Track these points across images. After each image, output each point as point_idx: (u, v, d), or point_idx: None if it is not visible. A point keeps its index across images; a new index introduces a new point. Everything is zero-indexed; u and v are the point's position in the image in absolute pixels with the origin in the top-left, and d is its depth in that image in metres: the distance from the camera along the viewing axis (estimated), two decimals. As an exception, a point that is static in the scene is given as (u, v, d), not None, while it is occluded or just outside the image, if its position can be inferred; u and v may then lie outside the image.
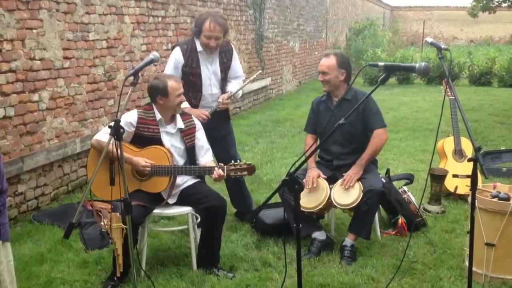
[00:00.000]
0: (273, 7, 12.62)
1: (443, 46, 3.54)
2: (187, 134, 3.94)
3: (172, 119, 3.92)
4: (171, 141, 3.89)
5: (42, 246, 4.33)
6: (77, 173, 5.79)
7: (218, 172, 3.73)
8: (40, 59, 5.09)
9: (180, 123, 3.92)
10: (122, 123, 3.71)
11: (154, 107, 3.87)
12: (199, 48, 4.45)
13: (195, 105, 4.50)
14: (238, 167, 3.75)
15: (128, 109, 6.51)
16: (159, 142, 3.83)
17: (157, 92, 3.78)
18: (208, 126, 4.29)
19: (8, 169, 4.68)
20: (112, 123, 3.00)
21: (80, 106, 5.74)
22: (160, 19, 7.36)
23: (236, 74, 4.74)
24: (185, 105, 4.30)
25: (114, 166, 3.71)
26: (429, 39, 3.66)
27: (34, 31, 4.99)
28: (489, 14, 12.22)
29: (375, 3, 28.39)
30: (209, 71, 4.52)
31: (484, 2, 11.46)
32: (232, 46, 4.79)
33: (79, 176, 5.82)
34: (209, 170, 3.78)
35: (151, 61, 3.24)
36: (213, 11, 4.52)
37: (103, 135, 3.76)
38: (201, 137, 4.02)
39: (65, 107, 5.50)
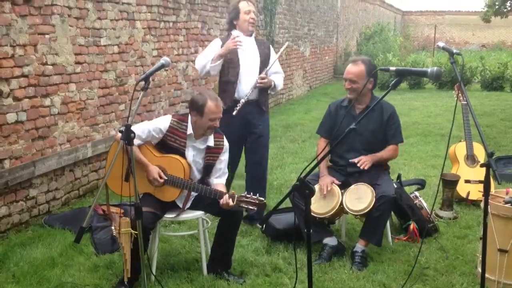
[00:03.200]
0: (284, 12, 12.64)
1: (455, 51, 3.51)
2: (212, 152, 3.88)
3: (203, 135, 3.85)
4: (195, 156, 3.85)
5: (53, 250, 4.34)
6: (88, 178, 5.81)
7: (226, 200, 3.63)
8: (52, 64, 5.12)
9: (211, 141, 3.87)
10: (150, 127, 3.75)
11: (188, 119, 3.83)
12: (235, 34, 4.79)
13: (233, 82, 4.77)
14: (250, 200, 3.64)
15: (139, 114, 6.58)
16: (182, 154, 3.81)
17: (194, 107, 3.75)
18: (248, 124, 4.83)
19: (20, 173, 4.71)
20: (123, 128, 3.00)
21: (91, 110, 5.76)
22: (171, 24, 7.39)
23: (278, 70, 5.00)
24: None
25: (132, 164, 3.72)
26: (441, 44, 3.64)
27: (46, 36, 5.02)
28: (501, 18, 12.14)
29: (386, 8, 28.32)
30: (246, 51, 4.78)
31: (497, 7, 11.38)
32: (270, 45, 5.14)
33: (90, 180, 5.84)
34: (219, 195, 3.69)
35: (162, 66, 3.24)
36: None
37: None
38: (223, 160, 3.95)
39: (77, 112, 5.53)
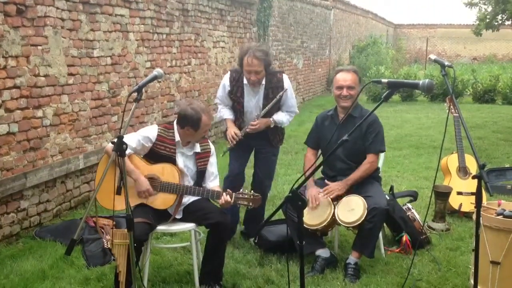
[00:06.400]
0: (277, 24, 12.70)
1: (446, 63, 3.54)
2: (201, 158, 3.94)
3: (190, 142, 3.92)
4: (185, 162, 3.89)
5: (44, 262, 4.30)
6: (80, 190, 5.78)
7: (225, 198, 3.74)
8: (45, 76, 5.11)
9: (197, 147, 3.93)
10: (139, 137, 3.78)
11: (174, 127, 3.87)
12: (245, 80, 4.54)
13: (237, 125, 4.66)
14: (246, 196, 3.77)
15: (131, 126, 6.57)
16: (173, 161, 3.83)
17: (189, 122, 3.77)
18: (253, 146, 4.75)
19: (11, 185, 4.68)
20: (115, 139, 2.99)
21: (84, 122, 5.75)
22: (164, 36, 7.41)
23: (289, 109, 4.78)
24: (228, 115, 4.68)
25: (124, 175, 3.70)
26: (433, 56, 3.66)
27: (39, 47, 5.02)
28: (492, 32, 12.23)
29: (378, 21, 28.51)
30: (252, 103, 4.59)
31: (488, 20, 11.45)
32: (287, 83, 4.66)
33: (82, 192, 5.81)
34: (217, 195, 3.78)
35: (155, 78, 3.24)
36: (254, 45, 4.60)
37: None
38: (213, 162, 4.02)
39: (69, 123, 5.51)
